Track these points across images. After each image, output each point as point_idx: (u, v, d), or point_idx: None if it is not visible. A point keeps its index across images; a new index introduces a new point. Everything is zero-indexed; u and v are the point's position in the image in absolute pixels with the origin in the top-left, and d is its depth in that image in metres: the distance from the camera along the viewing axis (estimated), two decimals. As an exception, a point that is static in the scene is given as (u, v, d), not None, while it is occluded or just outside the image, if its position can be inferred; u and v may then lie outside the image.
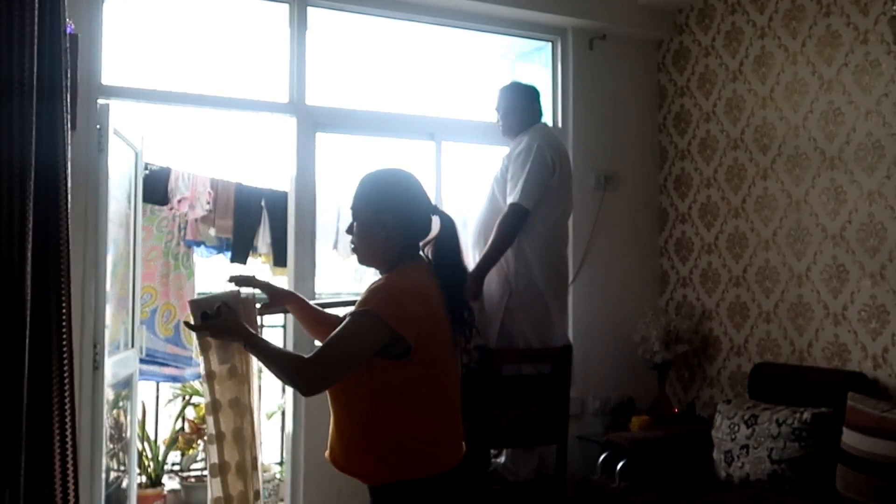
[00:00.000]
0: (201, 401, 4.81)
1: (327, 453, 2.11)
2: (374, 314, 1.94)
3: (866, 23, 3.61)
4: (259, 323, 2.28)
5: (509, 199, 3.42)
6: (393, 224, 2.08)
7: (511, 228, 3.39)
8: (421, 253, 2.16)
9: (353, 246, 2.17)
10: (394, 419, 2.00)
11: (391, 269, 2.09)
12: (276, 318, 5.41)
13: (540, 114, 3.69)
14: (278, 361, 2.03)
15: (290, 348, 3.87)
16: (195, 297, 2.26)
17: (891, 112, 3.50)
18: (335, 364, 1.95)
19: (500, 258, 3.40)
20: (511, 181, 3.45)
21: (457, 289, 2.12)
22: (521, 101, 3.64)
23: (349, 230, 2.16)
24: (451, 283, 2.10)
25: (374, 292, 2.00)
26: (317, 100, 3.95)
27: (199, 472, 4.80)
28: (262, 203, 4.89)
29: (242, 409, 2.26)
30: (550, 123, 4.51)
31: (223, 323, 2.09)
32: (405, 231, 2.10)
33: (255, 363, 2.27)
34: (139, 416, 4.38)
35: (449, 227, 2.14)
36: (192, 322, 2.16)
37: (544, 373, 3.40)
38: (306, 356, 1.97)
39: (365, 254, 2.14)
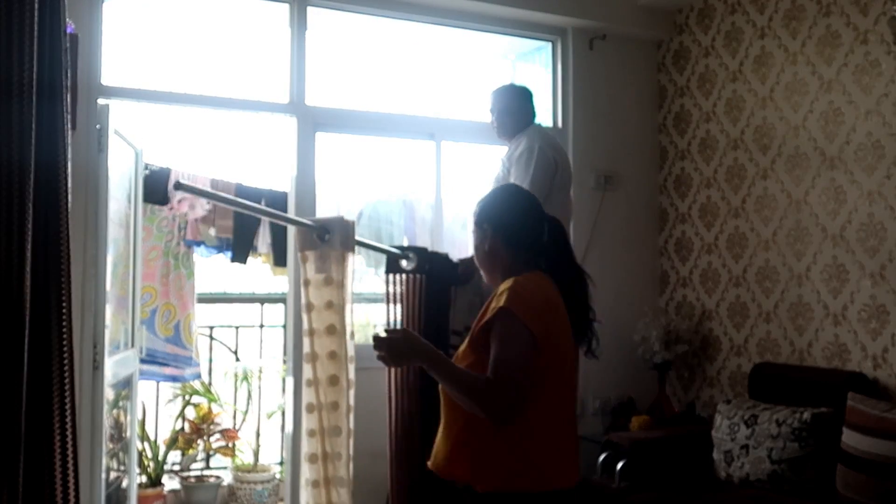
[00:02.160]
0: (201, 401, 4.82)
1: (430, 462, 2.03)
2: (507, 310, 1.89)
3: (866, 23, 3.61)
4: None
5: None
6: (492, 233, 2.09)
7: None
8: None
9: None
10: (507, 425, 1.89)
11: (507, 278, 2.02)
12: (277, 318, 5.42)
13: (534, 114, 3.68)
14: (466, 382, 1.89)
15: (289, 348, 3.87)
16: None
17: (891, 112, 3.50)
18: (518, 377, 1.85)
19: None
20: (514, 183, 3.45)
21: (576, 293, 2.07)
22: (516, 102, 3.64)
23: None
24: (568, 287, 2.05)
25: (500, 294, 1.95)
26: (317, 100, 3.95)
27: (198, 472, 4.80)
28: (263, 203, 4.89)
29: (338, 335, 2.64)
30: (550, 123, 4.52)
31: (403, 343, 1.95)
32: (507, 240, 2.08)
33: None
34: (139, 415, 4.38)
35: (555, 231, 2.11)
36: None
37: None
38: (486, 377, 1.86)
39: (480, 265, 2.17)
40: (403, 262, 3.24)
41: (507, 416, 1.85)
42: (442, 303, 3.20)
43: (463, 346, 2.01)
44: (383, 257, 4.93)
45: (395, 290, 3.26)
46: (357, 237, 2.77)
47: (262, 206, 2.76)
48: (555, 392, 1.95)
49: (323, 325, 2.65)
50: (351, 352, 2.70)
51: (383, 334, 1.97)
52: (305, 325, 2.66)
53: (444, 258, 3.33)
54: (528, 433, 1.90)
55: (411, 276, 3.22)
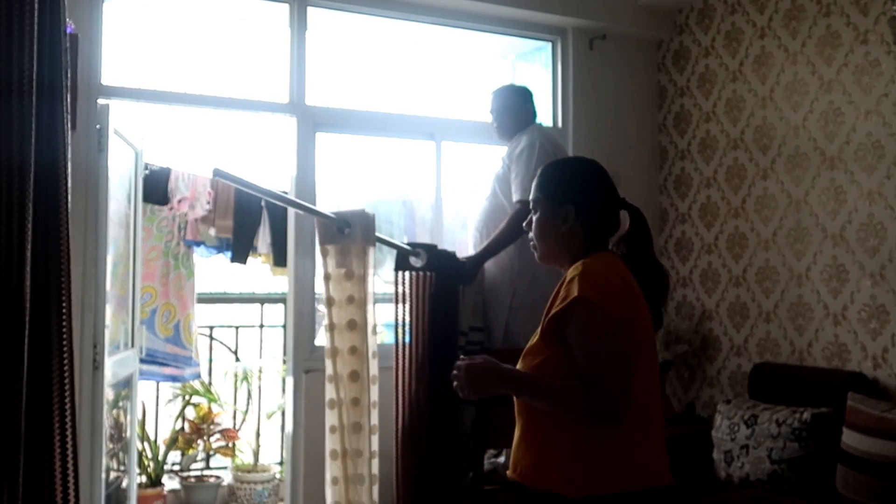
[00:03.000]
0: (201, 401, 4.82)
1: (510, 472, 1.86)
2: (582, 299, 1.73)
3: (866, 23, 3.61)
4: None
5: (516, 197, 3.42)
6: (575, 216, 1.89)
7: (518, 225, 3.40)
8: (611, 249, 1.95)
9: (532, 243, 1.97)
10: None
11: (572, 265, 1.86)
12: (277, 318, 5.42)
13: (534, 114, 3.68)
14: (562, 396, 1.74)
15: (290, 348, 3.86)
16: None
17: (891, 112, 3.51)
18: (616, 373, 1.70)
19: (500, 251, 3.42)
20: (515, 180, 3.45)
21: (654, 287, 1.89)
22: (515, 101, 3.64)
23: (527, 225, 1.98)
24: (647, 281, 1.87)
25: (570, 281, 1.79)
26: (317, 100, 3.95)
27: (198, 472, 4.80)
28: (262, 203, 4.90)
29: (360, 329, 2.60)
30: (550, 123, 4.52)
31: (483, 370, 1.82)
32: (589, 225, 1.89)
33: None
34: (139, 416, 4.38)
35: (641, 221, 1.94)
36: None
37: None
38: (582, 384, 1.71)
39: (544, 251, 1.95)
40: (413, 259, 3.22)
41: (617, 417, 1.70)
42: (450, 303, 3.19)
43: (534, 341, 1.86)
44: (386, 259, 4.95)
45: (403, 288, 3.25)
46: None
47: (291, 198, 2.72)
48: (642, 383, 1.77)
49: (344, 319, 2.63)
50: (373, 347, 2.68)
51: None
52: (326, 321, 2.64)
53: (452, 256, 3.33)
54: (616, 431, 1.73)
55: (419, 274, 3.21)
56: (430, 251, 3.25)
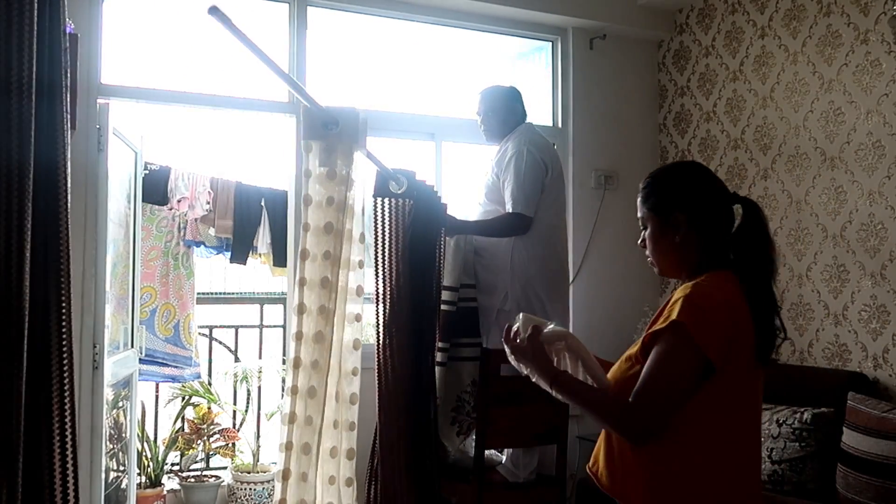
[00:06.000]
0: (201, 401, 4.81)
1: (590, 464, 1.86)
2: (680, 325, 1.67)
3: (866, 23, 3.61)
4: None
5: (508, 208, 3.40)
6: (686, 223, 1.79)
7: (507, 231, 3.39)
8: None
9: (649, 259, 1.89)
10: (678, 445, 1.71)
11: (693, 276, 1.80)
12: (276, 318, 5.42)
13: (523, 114, 3.64)
14: (596, 405, 1.75)
15: (288, 348, 3.86)
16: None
17: (891, 112, 3.50)
18: (663, 401, 1.67)
19: (480, 235, 3.41)
20: (506, 191, 3.42)
21: (763, 292, 1.77)
22: (500, 102, 3.61)
23: (642, 244, 1.89)
24: (756, 283, 1.76)
25: (675, 302, 1.72)
26: (317, 99, 3.94)
27: (198, 472, 4.80)
28: (262, 203, 4.90)
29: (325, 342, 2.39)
30: (550, 123, 4.52)
31: (532, 352, 1.80)
32: (701, 230, 1.80)
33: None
34: (139, 416, 4.37)
35: (754, 214, 1.79)
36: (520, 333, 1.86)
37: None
38: (629, 398, 1.70)
39: (661, 264, 1.86)
40: (392, 185, 2.98)
41: (642, 439, 1.70)
42: (428, 242, 2.91)
43: (634, 349, 1.81)
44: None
45: (383, 220, 2.98)
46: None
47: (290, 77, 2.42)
48: (734, 411, 1.73)
49: (322, 222, 2.29)
50: (354, 364, 2.51)
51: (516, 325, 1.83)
52: (300, 246, 2.31)
53: (432, 189, 3.10)
54: (692, 456, 1.71)
55: (398, 211, 2.94)
56: (410, 178, 3.00)
